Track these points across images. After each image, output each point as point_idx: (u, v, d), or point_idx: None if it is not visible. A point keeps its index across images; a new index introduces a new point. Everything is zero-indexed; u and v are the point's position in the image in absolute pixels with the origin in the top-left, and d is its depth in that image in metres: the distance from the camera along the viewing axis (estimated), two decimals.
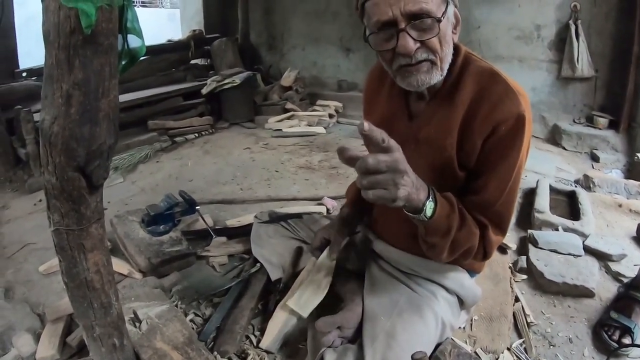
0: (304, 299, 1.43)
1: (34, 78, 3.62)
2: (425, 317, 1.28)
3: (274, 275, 1.71)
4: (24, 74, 3.63)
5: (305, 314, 1.40)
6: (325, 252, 1.48)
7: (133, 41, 0.96)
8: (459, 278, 1.40)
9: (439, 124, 1.19)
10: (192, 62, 5.12)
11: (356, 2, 1.13)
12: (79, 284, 1.07)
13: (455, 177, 1.19)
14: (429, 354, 1.24)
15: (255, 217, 1.97)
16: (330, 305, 1.45)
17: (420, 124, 1.24)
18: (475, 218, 1.16)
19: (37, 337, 1.51)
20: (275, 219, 1.90)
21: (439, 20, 1.04)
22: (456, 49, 1.19)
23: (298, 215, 1.93)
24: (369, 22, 1.10)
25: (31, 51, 3.97)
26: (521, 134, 1.09)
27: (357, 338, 1.29)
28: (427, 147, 1.22)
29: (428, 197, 1.03)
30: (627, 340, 1.49)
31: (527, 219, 2.33)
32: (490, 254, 1.22)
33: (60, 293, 1.76)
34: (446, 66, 1.14)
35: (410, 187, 0.95)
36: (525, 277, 1.89)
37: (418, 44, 1.06)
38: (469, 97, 1.15)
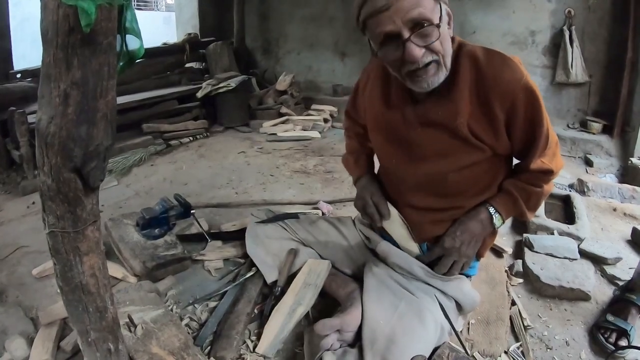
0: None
1: (28, 79, 3.58)
2: (424, 320, 1.29)
3: (270, 277, 1.70)
4: (19, 75, 3.60)
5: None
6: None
7: (131, 42, 0.95)
8: (458, 284, 1.42)
9: (445, 108, 1.26)
10: (187, 65, 5.10)
11: (356, 19, 1.19)
12: (74, 288, 1.06)
13: (478, 148, 1.28)
14: (427, 358, 1.24)
15: (252, 214, 1.97)
16: (328, 308, 1.45)
17: (425, 110, 1.30)
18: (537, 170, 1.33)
19: (30, 341, 1.49)
20: (273, 218, 1.89)
21: (438, 26, 1.12)
22: (451, 39, 1.25)
23: (294, 215, 1.92)
24: (373, 35, 1.17)
25: (26, 53, 3.95)
26: (533, 92, 1.21)
27: (356, 342, 1.28)
28: (435, 131, 1.29)
29: (491, 218, 1.37)
30: (623, 343, 1.49)
31: (522, 223, 2.33)
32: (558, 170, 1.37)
33: (54, 297, 1.74)
34: (449, 61, 1.21)
35: (471, 242, 1.38)
36: (521, 280, 1.89)
37: (423, 50, 1.13)
38: (469, 78, 1.23)
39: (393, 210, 1.49)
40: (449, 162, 1.31)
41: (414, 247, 1.48)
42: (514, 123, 1.25)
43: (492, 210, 1.37)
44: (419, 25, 1.11)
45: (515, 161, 1.43)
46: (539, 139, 1.27)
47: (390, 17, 1.10)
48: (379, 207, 1.49)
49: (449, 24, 1.21)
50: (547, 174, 1.34)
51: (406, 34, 1.11)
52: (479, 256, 1.51)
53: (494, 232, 1.45)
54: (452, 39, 1.25)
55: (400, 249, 1.50)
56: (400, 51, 1.14)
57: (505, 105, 1.21)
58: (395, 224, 1.50)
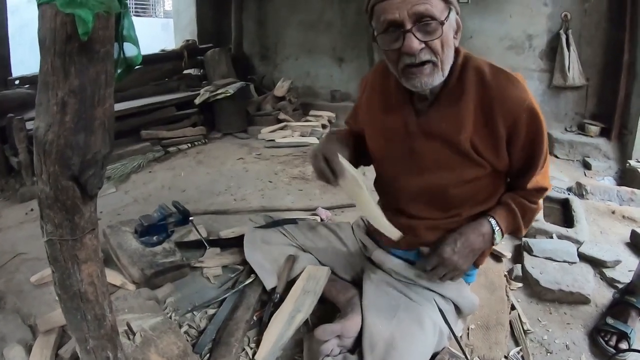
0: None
1: (26, 86, 3.58)
2: (423, 325, 1.28)
3: (268, 283, 1.69)
4: (17, 82, 3.60)
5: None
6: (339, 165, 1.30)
7: (129, 50, 0.95)
8: (457, 287, 1.41)
9: (449, 121, 1.26)
10: (185, 72, 5.10)
11: (366, 4, 1.21)
12: (72, 296, 1.05)
13: (478, 164, 1.28)
14: None
15: (250, 219, 1.97)
16: (327, 315, 1.44)
17: (428, 121, 1.30)
18: (531, 188, 1.35)
19: (28, 349, 1.48)
20: (271, 224, 1.89)
21: (442, 23, 1.13)
22: (456, 51, 1.26)
23: (293, 221, 1.91)
24: (377, 22, 1.18)
25: (24, 59, 3.95)
26: (536, 113, 1.22)
27: (356, 348, 1.28)
28: (439, 143, 1.28)
29: (492, 232, 1.34)
30: (623, 346, 1.49)
31: None
32: (550, 188, 1.41)
33: (52, 304, 1.73)
34: (447, 68, 1.21)
35: (468, 255, 1.34)
36: (520, 285, 1.88)
37: (422, 45, 1.14)
38: (475, 92, 1.23)
39: (350, 169, 1.28)
40: (449, 175, 1.30)
41: (391, 229, 1.33)
42: (514, 142, 1.25)
43: (494, 223, 1.35)
44: (422, 20, 1.12)
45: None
46: (537, 160, 1.29)
47: (397, 6, 1.11)
48: (331, 163, 1.30)
49: (456, 33, 1.22)
50: (541, 191, 1.37)
51: (408, 25, 1.12)
52: (476, 265, 1.49)
53: (491, 245, 1.43)
54: (458, 50, 1.26)
55: (374, 225, 1.39)
56: (400, 42, 1.15)
57: (507, 123, 1.22)
58: (354, 187, 1.30)
